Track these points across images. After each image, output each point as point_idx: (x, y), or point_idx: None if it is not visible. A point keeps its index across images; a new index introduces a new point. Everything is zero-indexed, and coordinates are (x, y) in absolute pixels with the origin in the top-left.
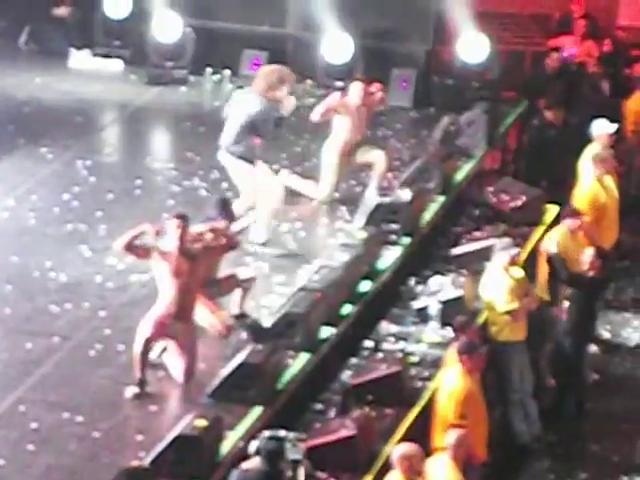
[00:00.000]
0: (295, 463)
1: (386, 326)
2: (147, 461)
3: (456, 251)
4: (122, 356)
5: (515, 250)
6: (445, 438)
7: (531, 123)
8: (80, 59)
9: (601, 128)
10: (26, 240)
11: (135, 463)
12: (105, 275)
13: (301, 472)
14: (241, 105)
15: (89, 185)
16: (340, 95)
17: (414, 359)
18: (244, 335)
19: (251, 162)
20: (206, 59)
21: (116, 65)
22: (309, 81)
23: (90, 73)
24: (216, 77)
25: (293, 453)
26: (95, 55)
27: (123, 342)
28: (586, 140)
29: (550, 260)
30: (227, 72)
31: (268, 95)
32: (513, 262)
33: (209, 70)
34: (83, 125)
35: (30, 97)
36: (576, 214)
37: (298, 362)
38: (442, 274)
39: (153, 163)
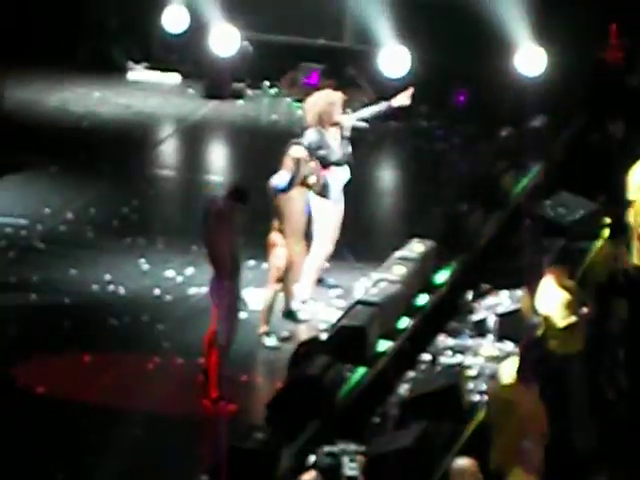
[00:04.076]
0: (351, 479)
1: (443, 339)
2: (205, 475)
3: (513, 265)
4: (181, 369)
5: (568, 263)
6: (515, 452)
7: (592, 136)
8: (138, 73)
9: None
10: (85, 253)
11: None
12: (163, 288)
13: None
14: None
15: (147, 198)
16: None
17: (471, 372)
18: (302, 348)
19: (326, 197)
20: (263, 72)
21: (174, 78)
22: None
23: (148, 86)
24: (273, 90)
25: (350, 469)
26: (153, 68)
27: (182, 355)
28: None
29: (612, 273)
30: None
31: (324, 124)
32: (568, 275)
33: (266, 83)
34: (141, 138)
35: (88, 111)
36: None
37: (356, 376)
38: (499, 288)
39: (210, 177)
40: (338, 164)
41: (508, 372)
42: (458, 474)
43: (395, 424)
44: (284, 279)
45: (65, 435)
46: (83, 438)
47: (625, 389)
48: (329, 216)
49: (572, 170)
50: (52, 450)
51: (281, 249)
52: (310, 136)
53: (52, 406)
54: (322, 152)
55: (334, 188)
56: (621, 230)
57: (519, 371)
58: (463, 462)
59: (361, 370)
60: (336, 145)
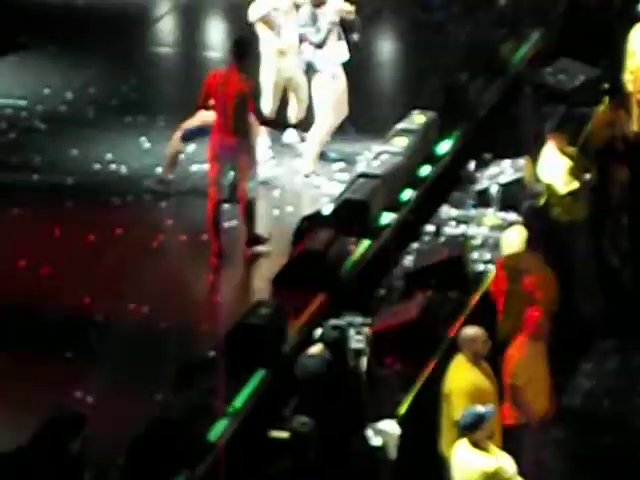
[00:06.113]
0: (357, 352)
1: (447, 210)
2: (212, 350)
3: (515, 133)
4: (184, 245)
5: (569, 130)
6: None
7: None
8: None
9: None
10: (85, 133)
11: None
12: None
13: (363, 361)
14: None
15: (146, 76)
16: None
17: (475, 242)
18: (306, 223)
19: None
20: None
21: None
22: None
23: None
24: None
25: (355, 342)
26: None
27: (185, 232)
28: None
29: (611, 139)
30: None
31: (317, 4)
32: (569, 142)
33: None
34: (138, 16)
35: None
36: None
37: (360, 249)
38: (501, 157)
39: (208, 52)
40: (319, 46)
41: (511, 240)
42: (468, 342)
43: (400, 296)
44: None
45: (71, 318)
46: (89, 318)
47: (628, 255)
48: (326, 91)
49: (572, 36)
50: (59, 333)
51: None
52: (302, 14)
53: (55, 288)
54: (309, 29)
55: (328, 65)
56: (621, 95)
57: (525, 240)
58: (473, 330)
59: (365, 243)
60: (325, 25)
